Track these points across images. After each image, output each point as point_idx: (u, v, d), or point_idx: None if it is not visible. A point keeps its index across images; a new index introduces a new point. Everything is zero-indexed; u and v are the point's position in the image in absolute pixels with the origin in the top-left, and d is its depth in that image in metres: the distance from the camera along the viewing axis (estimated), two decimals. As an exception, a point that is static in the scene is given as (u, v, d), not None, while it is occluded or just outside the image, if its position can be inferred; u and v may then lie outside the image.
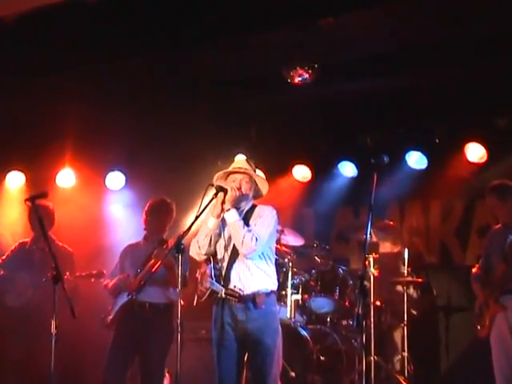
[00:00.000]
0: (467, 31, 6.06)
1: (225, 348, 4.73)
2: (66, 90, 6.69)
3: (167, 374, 6.07)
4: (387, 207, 7.78)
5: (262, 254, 4.77)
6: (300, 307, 7.03)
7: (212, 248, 4.82)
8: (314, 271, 7.18)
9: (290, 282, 6.91)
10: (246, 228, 4.68)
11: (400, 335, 7.08)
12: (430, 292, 7.51)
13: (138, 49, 5.96)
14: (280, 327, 4.83)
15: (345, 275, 7.18)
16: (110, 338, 5.94)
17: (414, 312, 7.21)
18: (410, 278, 7.08)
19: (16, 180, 7.95)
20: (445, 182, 7.44)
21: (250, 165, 4.95)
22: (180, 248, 4.59)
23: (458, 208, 7.68)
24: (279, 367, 4.80)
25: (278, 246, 6.66)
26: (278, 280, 4.98)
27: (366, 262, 6.47)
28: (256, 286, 4.72)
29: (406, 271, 7.08)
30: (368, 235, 4.26)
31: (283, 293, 6.84)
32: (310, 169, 8.04)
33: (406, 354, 6.84)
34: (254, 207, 4.89)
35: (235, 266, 4.75)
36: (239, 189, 4.77)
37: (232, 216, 4.71)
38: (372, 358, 6.33)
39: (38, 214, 5.20)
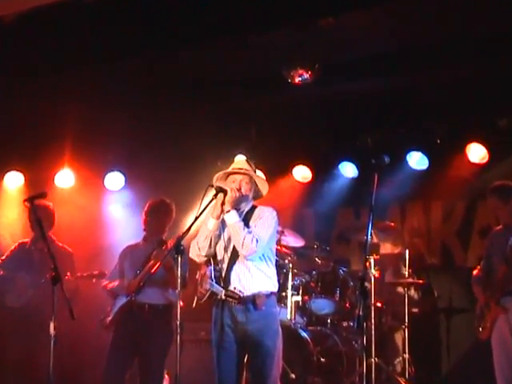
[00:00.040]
0: (467, 31, 6.05)
1: (224, 349, 4.71)
2: (66, 90, 6.68)
3: (166, 376, 6.04)
4: (388, 208, 7.78)
5: (263, 255, 4.75)
6: (300, 308, 7.01)
7: (212, 249, 4.79)
8: (314, 272, 7.17)
9: (290, 284, 6.89)
10: (246, 229, 4.66)
11: (401, 337, 7.05)
12: (431, 293, 7.49)
13: (138, 49, 5.95)
14: (280, 329, 4.81)
15: (345, 276, 7.17)
16: (109, 339, 5.93)
17: (415, 310, 7.19)
18: (410, 280, 7.05)
19: (15, 180, 7.94)
20: (446, 182, 7.43)
21: (250, 165, 4.92)
22: (179, 249, 4.57)
23: (459, 209, 7.67)
24: (279, 369, 4.78)
25: (279, 247, 6.64)
26: (279, 281, 4.96)
27: (367, 263, 6.44)
28: (256, 288, 4.70)
29: (406, 272, 7.06)
30: (369, 236, 4.25)
31: (283, 294, 6.82)
32: (311, 169, 8.03)
33: (406, 355, 6.81)
34: (254, 208, 4.87)
35: (235, 267, 4.73)
36: (239, 190, 4.74)
37: (232, 217, 4.69)
38: (373, 359, 6.29)
39: (37, 215, 5.17)
